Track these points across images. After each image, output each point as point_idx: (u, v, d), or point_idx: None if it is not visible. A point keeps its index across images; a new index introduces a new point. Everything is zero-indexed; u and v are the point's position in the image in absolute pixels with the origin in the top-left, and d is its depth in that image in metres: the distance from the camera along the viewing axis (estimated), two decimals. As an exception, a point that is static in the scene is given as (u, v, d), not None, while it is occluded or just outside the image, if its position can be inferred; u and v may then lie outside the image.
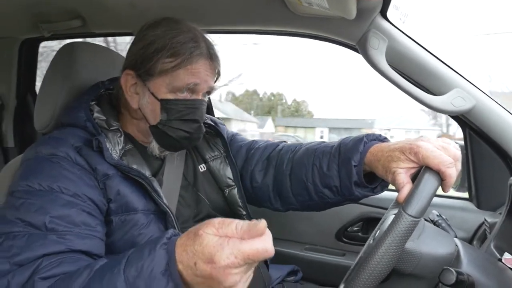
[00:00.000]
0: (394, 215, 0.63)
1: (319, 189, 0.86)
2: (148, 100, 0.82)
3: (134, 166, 0.81)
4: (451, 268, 0.62)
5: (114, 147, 0.80)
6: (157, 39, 0.79)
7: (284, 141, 1.02)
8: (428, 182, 0.63)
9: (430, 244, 0.74)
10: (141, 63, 0.80)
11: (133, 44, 0.84)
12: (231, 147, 1.02)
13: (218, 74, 0.86)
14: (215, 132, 1.00)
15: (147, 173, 0.83)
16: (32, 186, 0.69)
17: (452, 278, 0.61)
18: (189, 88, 0.81)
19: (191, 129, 0.83)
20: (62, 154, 0.74)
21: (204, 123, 0.97)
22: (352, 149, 0.80)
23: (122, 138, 0.83)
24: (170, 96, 0.80)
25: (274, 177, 0.94)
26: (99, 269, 0.55)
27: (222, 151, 0.99)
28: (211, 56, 0.82)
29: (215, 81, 0.86)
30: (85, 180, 0.73)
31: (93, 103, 0.86)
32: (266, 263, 0.98)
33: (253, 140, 1.05)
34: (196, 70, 0.80)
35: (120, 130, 0.84)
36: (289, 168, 0.92)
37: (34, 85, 1.59)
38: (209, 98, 1.54)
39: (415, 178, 0.67)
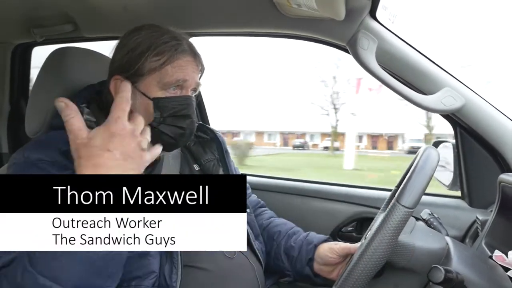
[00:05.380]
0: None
1: (280, 251, 1.04)
2: (140, 101, 0.82)
3: None
4: (439, 266, 0.63)
5: None
6: (142, 42, 0.82)
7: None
8: (421, 174, 0.65)
9: (422, 238, 0.76)
10: (129, 66, 0.82)
11: (117, 50, 0.86)
12: None
13: (202, 70, 0.89)
14: (211, 137, 1.01)
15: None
16: None
17: (440, 276, 0.62)
18: (178, 85, 0.83)
19: (185, 125, 0.84)
20: (49, 159, 0.74)
21: (201, 128, 0.99)
22: (317, 237, 1.03)
23: None
24: (161, 94, 0.82)
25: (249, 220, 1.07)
26: None
27: (216, 155, 1.01)
28: (194, 53, 0.86)
29: (200, 78, 0.88)
30: None
31: (83, 105, 0.86)
32: (260, 264, 0.98)
33: None
34: (183, 66, 0.83)
35: None
36: (266, 223, 1.10)
37: (27, 90, 1.59)
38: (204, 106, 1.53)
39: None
